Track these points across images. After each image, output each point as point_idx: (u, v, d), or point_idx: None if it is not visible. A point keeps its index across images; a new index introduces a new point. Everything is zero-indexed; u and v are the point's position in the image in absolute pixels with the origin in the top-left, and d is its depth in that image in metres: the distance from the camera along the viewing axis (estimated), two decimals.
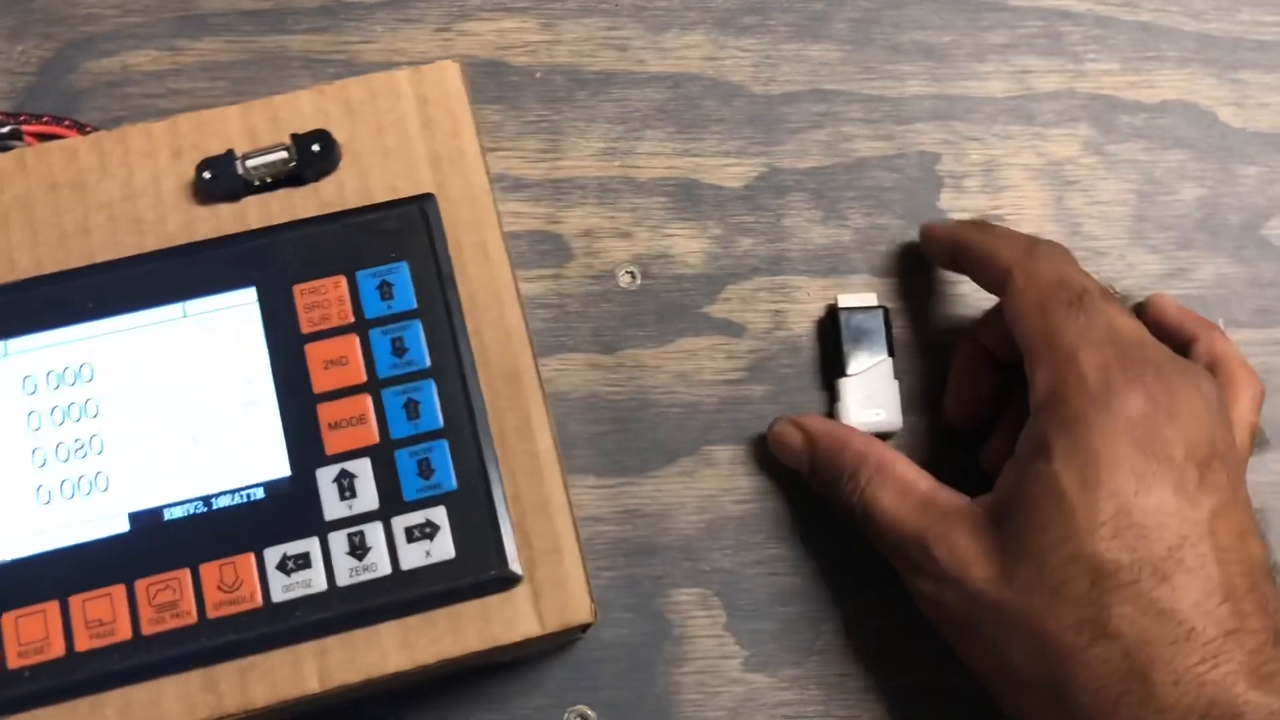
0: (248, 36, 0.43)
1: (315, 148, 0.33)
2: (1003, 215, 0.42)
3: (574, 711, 0.37)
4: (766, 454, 0.40)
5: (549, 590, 0.31)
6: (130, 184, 0.34)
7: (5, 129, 0.38)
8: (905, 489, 0.35)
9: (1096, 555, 0.30)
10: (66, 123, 0.39)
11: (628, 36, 0.44)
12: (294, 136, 0.33)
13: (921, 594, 0.34)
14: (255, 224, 0.33)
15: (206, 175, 0.33)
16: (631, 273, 0.42)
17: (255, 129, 0.34)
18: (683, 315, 0.41)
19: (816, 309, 0.41)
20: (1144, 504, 0.30)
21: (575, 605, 0.31)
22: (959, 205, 0.42)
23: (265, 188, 0.34)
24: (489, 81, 0.43)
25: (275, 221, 0.34)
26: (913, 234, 0.42)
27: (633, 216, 0.42)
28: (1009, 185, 0.43)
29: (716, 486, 0.40)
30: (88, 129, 0.40)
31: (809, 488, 0.39)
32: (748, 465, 0.40)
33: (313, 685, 0.30)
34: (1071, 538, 0.31)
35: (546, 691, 0.38)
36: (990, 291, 0.37)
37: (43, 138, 0.39)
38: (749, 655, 0.38)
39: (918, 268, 0.42)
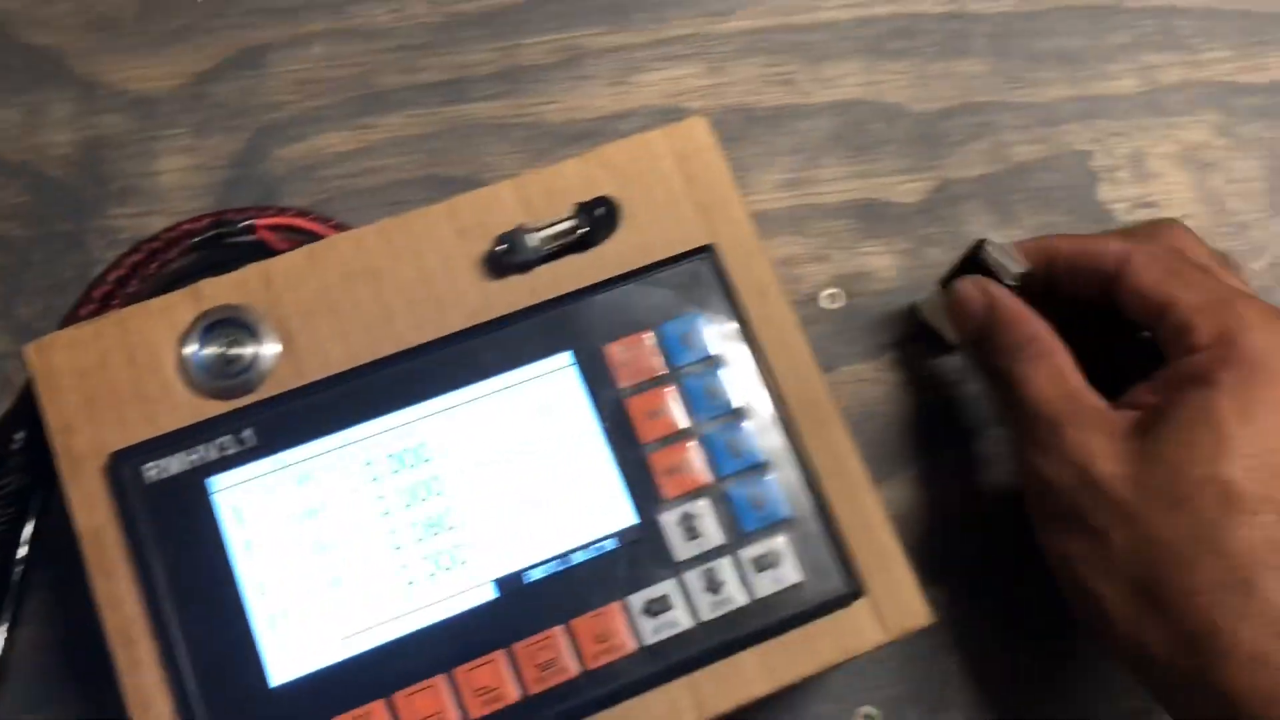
0: (431, 108, 0.45)
1: (599, 212, 0.35)
2: (1156, 201, 0.46)
3: (860, 713, 0.40)
4: (994, 452, 0.42)
5: (887, 600, 0.34)
6: (423, 266, 0.35)
7: (241, 224, 0.39)
8: (1059, 376, 0.36)
9: (1233, 482, 0.32)
10: (292, 212, 0.40)
11: (790, 71, 0.46)
12: (579, 205, 0.35)
13: (1035, 472, 0.35)
14: (548, 292, 0.35)
15: (502, 250, 0.35)
16: (832, 294, 0.44)
17: (530, 200, 0.36)
18: (890, 328, 0.44)
19: None
20: None
21: (914, 610, 0.34)
22: (1118, 196, 0.46)
23: (552, 256, 0.35)
24: None
25: (565, 287, 0.35)
26: (1083, 228, 0.45)
27: (825, 240, 0.45)
28: (1155, 174, 0.46)
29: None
30: (311, 215, 0.41)
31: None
32: (977, 465, 0.43)
33: (690, 718, 0.32)
34: (1215, 460, 0.32)
35: (834, 696, 0.40)
36: (1091, 291, 0.38)
37: (276, 229, 0.40)
38: (1006, 633, 0.41)
39: None
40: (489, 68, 0.45)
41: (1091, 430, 0.35)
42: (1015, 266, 0.39)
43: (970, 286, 0.39)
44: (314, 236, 0.40)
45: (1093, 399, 0.36)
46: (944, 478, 0.42)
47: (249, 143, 0.44)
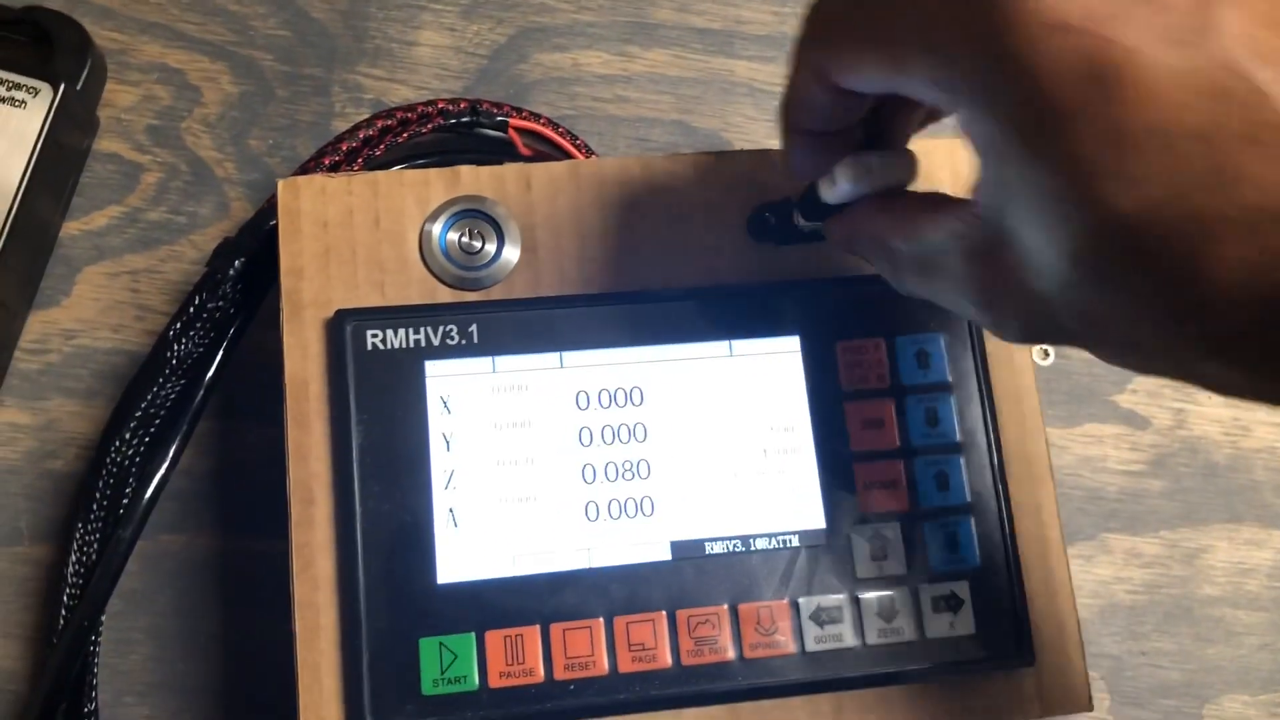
0: (696, 54, 0.44)
1: None
2: None
3: None
4: (1162, 551, 0.41)
5: (1052, 676, 0.33)
6: (680, 212, 0.34)
7: (497, 118, 0.39)
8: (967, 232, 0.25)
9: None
10: (544, 120, 0.40)
11: None
12: None
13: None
14: (795, 271, 0.34)
15: (767, 217, 0.34)
16: (1045, 350, 0.43)
17: None
18: (1092, 400, 0.42)
19: (1218, 414, 0.42)
20: None
21: (1076, 695, 0.33)
22: None
23: (811, 238, 0.34)
24: None
25: (812, 272, 0.34)
26: None
27: None
28: None
29: (1111, 574, 0.41)
30: (561, 129, 0.40)
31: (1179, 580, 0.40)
32: (1142, 558, 0.41)
33: None
34: None
35: None
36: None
37: (524, 133, 0.39)
38: None
39: None
40: (762, 28, 0.44)
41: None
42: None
43: (838, 228, 0.31)
44: (558, 149, 0.39)
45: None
46: (1106, 565, 0.41)
47: (511, 39, 0.43)
